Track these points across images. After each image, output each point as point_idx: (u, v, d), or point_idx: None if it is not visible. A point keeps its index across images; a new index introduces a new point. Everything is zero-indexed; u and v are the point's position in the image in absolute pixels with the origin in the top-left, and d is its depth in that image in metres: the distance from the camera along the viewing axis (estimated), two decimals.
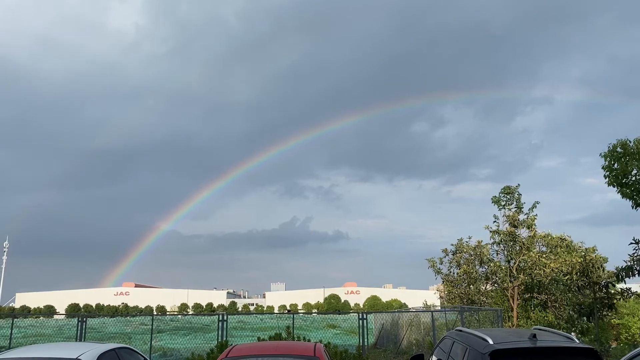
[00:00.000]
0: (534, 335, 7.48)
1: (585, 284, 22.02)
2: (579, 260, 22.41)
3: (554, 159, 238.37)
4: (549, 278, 23.34)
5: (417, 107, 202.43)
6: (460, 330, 9.28)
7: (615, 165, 15.79)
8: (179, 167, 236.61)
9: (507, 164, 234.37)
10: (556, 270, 23.38)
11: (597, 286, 21.02)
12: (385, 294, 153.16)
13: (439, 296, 54.39)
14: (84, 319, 17.75)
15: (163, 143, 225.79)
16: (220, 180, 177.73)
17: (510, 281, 26.18)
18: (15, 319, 21.96)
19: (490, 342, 7.43)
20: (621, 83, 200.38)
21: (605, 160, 15.97)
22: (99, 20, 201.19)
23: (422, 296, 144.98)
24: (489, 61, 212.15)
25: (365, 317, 18.58)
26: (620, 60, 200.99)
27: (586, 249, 22.12)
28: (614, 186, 15.96)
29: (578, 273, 21.83)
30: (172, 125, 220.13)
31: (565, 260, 24.19)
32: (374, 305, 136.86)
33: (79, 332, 17.27)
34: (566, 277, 22.41)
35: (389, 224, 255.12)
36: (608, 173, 15.94)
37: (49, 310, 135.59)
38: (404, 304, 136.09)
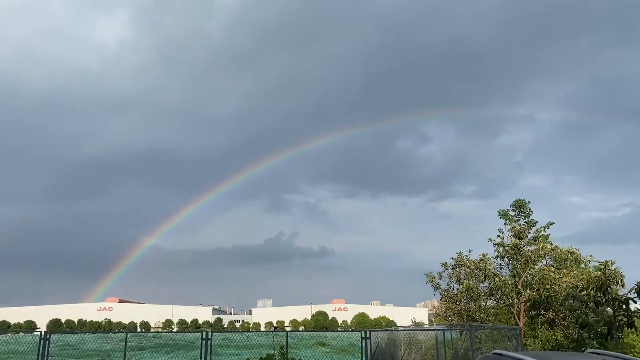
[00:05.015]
0: None
1: (602, 300, 20.40)
2: (598, 274, 20.79)
3: (538, 177, 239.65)
4: (564, 293, 21.69)
5: (402, 124, 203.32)
6: (500, 354, 7.54)
7: None
8: (162, 181, 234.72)
9: (491, 182, 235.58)
10: (571, 285, 21.72)
11: (617, 302, 19.40)
12: (373, 311, 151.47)
13: (435, 313, 52.62)
14: (47, 336, 15.73)
15: (146, 156, 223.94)
16: (204, 194, 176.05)
17: (517, 297, 24.50)
18: None
19: None
20: (603, 104, 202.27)
21: None
22: (82, 32, 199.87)
23: (410, 313, 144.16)
24: (473, 80, 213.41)
25: (369, 335, 16.68)
26: (602, 82, 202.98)
27: (606, 262, 20.52)
28: None
29: (595, 288, 20.22)
30: (155, 138, 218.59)
31: (581, 274, 22.53)
32: (362, 322, 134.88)
33: (41, 350, 15.23)
34: (583, 293, 20.78)
35: (375, 241, 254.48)
36: None
37: (29, 326, 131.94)
38: (392, 321, 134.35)
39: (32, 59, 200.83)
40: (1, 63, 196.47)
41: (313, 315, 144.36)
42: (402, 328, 40.63)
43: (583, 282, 21.38)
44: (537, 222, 28.12)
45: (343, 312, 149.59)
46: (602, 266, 20.32)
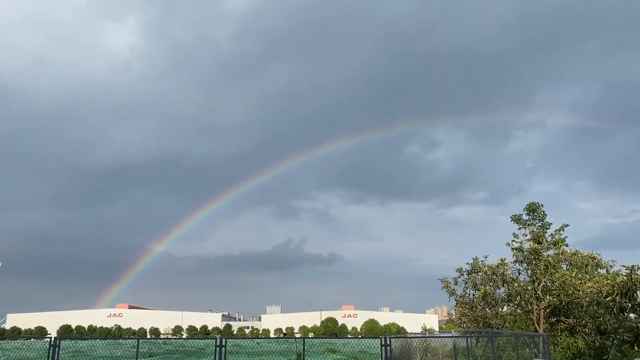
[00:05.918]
0: None
1: (628, 306, 19.71)
2: (623, 279, 20.14)
3: (548, 183, 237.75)
4: (587, 299, 21.07)
5: (410, 131, 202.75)
6: None
7: None
8: (171, 188, 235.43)
9: (501, 188, 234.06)
10: (595, 290, 21.10)
11: None
12: (383, 318, 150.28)
13: (448, 319, 51.93)
14: (57, 343, 15.35)
15: (155, 163, 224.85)
16: (213, 201, 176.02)
17: (536, 303, 23.86)
18: (3, 341, 19.64)
19: None
20: (613, 109, 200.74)
21: None
22: (92, 40, 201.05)
23: (420, 320, 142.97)
24: (482, 86, 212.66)
25: (389, 342, 16.20)
26: (612, 87, 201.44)
27: (632, 267, 19.84)
28: None
29: (620, 294, 19.57)
30: (165, 145, 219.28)
31: (607, 279, 21.91)
32: (372, 329, 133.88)
33: (51, 356, 14.84)
34: (608, 299, 20.14)
35: (384, 247, 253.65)
36: None
37: (40, 332, 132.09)
38: (402, 327, 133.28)
39: (43, 67, 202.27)
40: (13, 71, 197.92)
41: (322, 322, 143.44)
42: (415, 335, 39.99)
43: (607, 288, 20.76)
44: (551, 224, 27.64)
45: (353, 318, 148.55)
46: (628, 271, 19.66)
